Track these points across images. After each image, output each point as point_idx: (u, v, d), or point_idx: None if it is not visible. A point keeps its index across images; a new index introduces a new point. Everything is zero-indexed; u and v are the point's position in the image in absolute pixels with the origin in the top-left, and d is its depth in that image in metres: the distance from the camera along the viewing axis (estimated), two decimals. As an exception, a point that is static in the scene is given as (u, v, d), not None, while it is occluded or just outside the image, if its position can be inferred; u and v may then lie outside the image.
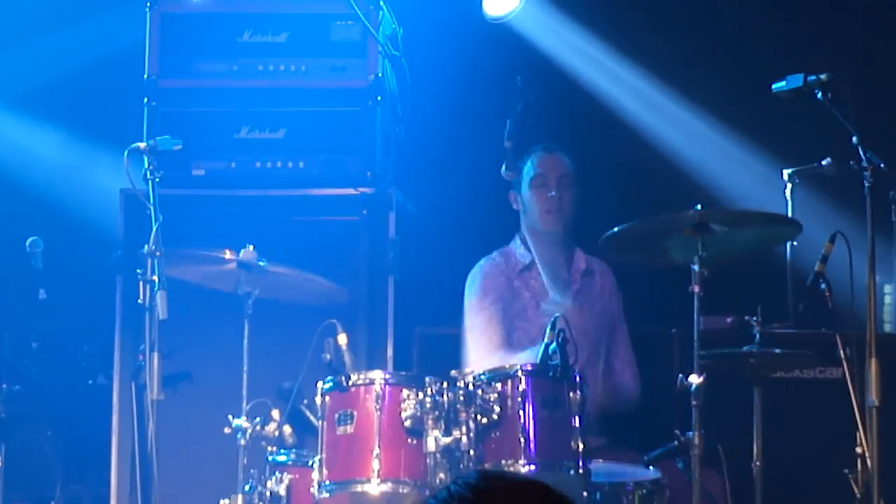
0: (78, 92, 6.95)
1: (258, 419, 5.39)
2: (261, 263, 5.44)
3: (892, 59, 6.85)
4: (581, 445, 4.95)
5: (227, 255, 5.45)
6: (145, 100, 6.21)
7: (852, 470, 5.18)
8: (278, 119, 6.23)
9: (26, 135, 7.01)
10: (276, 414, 5.41)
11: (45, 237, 6.46)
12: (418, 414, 5.01)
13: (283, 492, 5.22)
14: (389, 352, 6.06)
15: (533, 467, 4.92)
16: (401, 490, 4.99)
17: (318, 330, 5.44)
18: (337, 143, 6.20)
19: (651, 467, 5.26)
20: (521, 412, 4.97)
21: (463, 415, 4.99)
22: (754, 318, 5.30)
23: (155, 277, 5.13)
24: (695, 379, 5.00)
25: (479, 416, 4.98)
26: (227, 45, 6.25)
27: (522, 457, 4.93)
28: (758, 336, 5.29)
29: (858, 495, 5.16)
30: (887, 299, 6.50)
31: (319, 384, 5.17)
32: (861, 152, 5.13)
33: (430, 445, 4.97)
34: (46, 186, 6.98)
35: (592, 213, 6.10)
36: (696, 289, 5.05)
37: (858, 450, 5.16)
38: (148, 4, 6.25)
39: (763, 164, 6.68)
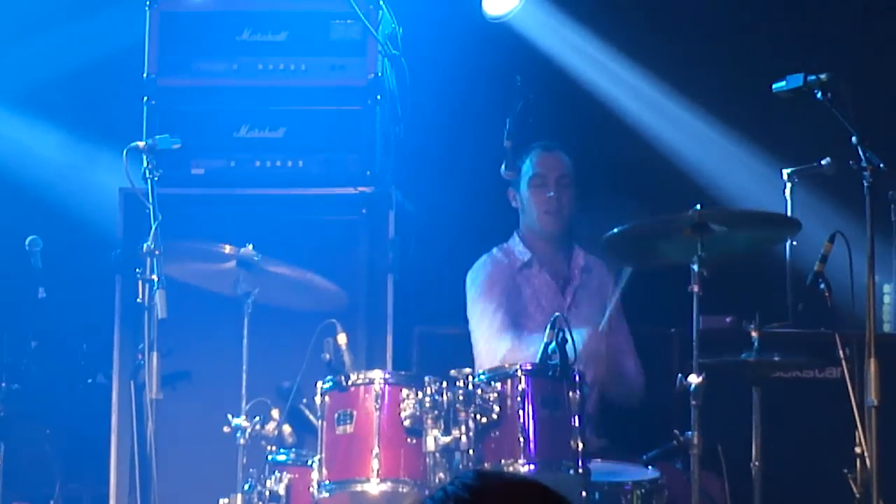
0: (77, 91, 6.95)
1: (258, 418, 5.39)
2: (255, 258, 5.42)
3: (891, 59, 6.85)
4: (581, 445, 4.95)
5: (227, 249, 5.44)
6: (145, 98, 6.21)
7: (851, 470, 5.18)
8: (278, 118, 6.23)
9: (25, 133, 7.00)
10: (275, 413, 5.41)
11: (45, 236, 6.46)
12: (418, 413, 5.01)
13: (282, 491, 5.22)
14: (389, 351, 6.06)
15: (532, 467, 4.92)
16: (400, 489, 4.99)
17: (318, 329, 5.43)
18: (336, 143, 6.21)
19: (650, 467, 5.26)
20: (520, 412, 4.97)
21: (462, 414, 4.99)
22: (751, 325, 5.29)
23: (154, 276, 5.13)
24: (694, 379, 5.00)
25: (478, 416, 4.98)
26: (226, 44, 6.25)
27: (522, 456, 4.93)
28: (756, 342, 5.28)
29: (858, 495, 5.16)
30: (886, 299, 6.50)
31: (319, 384, 5.17)
32: (860, 152, 5.13)
33: (430, 445, 4.97)
34: (45, 185, 6.98)
35: (591, 213, 6.10)
36: (696, 289, 5.05)
37: (857, 450, 5.16)
38: (147, 3, 6.25)
39: (763, 164, 6.68)
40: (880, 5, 6.87)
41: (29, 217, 6.80)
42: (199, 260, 5.53)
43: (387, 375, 5.13)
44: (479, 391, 5.01)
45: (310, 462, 5.15)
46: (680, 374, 5.06)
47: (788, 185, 5.93)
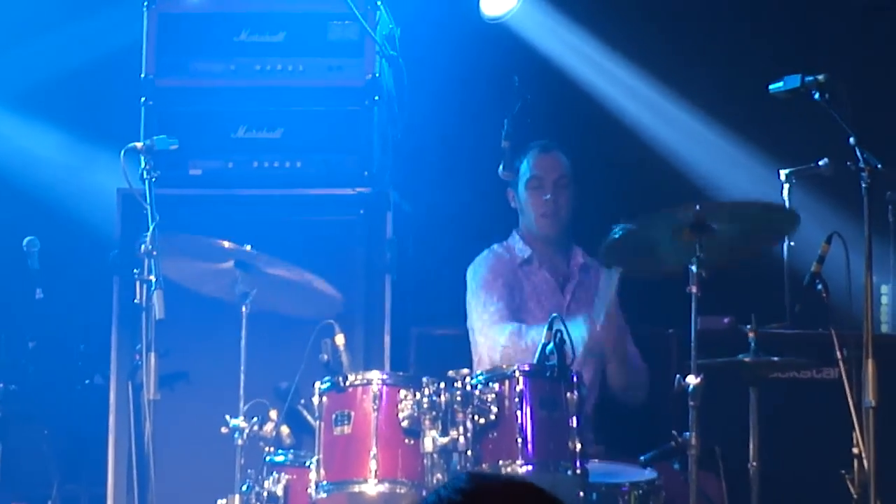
0: (75, 91, 6.94)
1: (255, 419, 5.39)
2: (253, 256, 5.41)
3: (889, 59, 6.86)
4: (578, 446, 4.95)
5: (226, 245, 5.44)
6: (142, 99, 6.21)
7: (849, 470, 5.18)
8: (275, 119, 6.23)
9: (22, 134, 7.00)
10: (273, 414, 5.41)
11: (42, 237, 6.46)
12: (415, 414, 5.01)
13: (280, 492, 5.22)
14: (386, 352, 6.06)
15: (530, 468, 4.92)
16: (398, 490, 4.99)
17: (316, 330, 5.43)
18: (334, 143, 6.20)
19: (647, 468, 5.26)
20: (518, 412, 4.97)
21: (460, 415, 4.98)
22: (749, 326, 5.29)
23: (152, 277, 5.13)
24: (692, 380, 5.00)
25: (476, 417, 4.98)
26: (224, 45, 6.25)
27: (520, 457, 4.93)
28: (753, 343, 5.28)
29: (855, 496, 5.16)
30: (884, 300, 6.50)
31: (317, 384, 5.17)
32: (858, 153, 5.14)
33: (428, 446, 4.97)
34: (43, 186, 6.98)
35: (590, 213, 6.10)
36: (694, 289, 5.05)
37: (855, 450, 5.15)
38: (145, 4, 6.25)
39: (760, 165, 6.69)
40: (878, 6, 6.87)
41: (26, 218, 6.80)
42: (198, 258, 5.52)
43: (384, 376, 5.13)
44: (476, 392, 5.01)
45: (308, 463, 5.15)
46: (678, 375, 5.06)
47: (786, 185, 5.93)
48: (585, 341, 5.77)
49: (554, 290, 6.14)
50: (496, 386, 5.01)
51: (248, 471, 5.34)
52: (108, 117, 6.61)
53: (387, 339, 6.07)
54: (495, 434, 4.98)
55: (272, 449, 5.36)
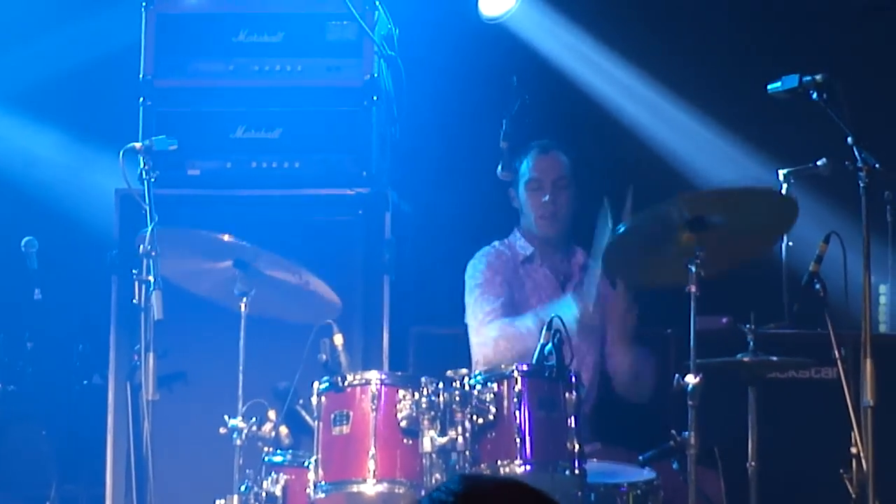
0: (73, 92, 6.95)
1: (254, 419, 5.39)
2: (252, 253, 5.41)
3: (888, 59, 6.86)
4: (577, 446, 4.95)
5: (226, 238, 5.43)
6: (141, 99, 6.21)
7: (847, 470, 5.18)
8: (274, 119, 6.23)
9: (21, 134, 7.00)
10: (272, 414, 5.41)
11: (41, 237, 6.47)
12: (414, 414, 5.01)
13: (278, 492, 5.22)
14: (385, 352, 6.06)
15: (528, 468, 4.92)
16: (396, 490, 4.99)
17: (314, 330, 5.43)
18: (333, 143, 6.21)
19: (646, 468, 5.26)
20: (516, 413, 4.97)
21: (459, 415, 4.98)
22: (748, 326, 5.29)
23: (150, 277, 5.12)
24: (691, 379, 5.00)
25: (474, 417, 4.98)
26: (222, 45, 6.26)
27: (518, 457, 4.93)
28: (752, 343, 5.28)
29: (854, 496, 5.16)
30: (882, 300, 6.51)
31: (315, 384, 5.16)
32: (856, 153, 5.14)
33: (426, 446, 4.97)
34: (41, 186, 6.98)
35: (589, 214, 6.09)
36: (693, 289, 5.05)
37: (853, 450, 5.15)
38: (143, 4, 6.25)
39: (758, 165, 6.69)
40: (876, 6, 6.88)
41: (25, 218, 6.80)
42: (196, 254, 5.50)
43: (383, 376, 5.13)
44: (475, 392, 5.00)
45: (306, 463, 5.15)
46: (676, 375, 5.06)
47: (784, 185, 5.93)
48: (578, 318, 5.78)
49: (555, 287, 6.15)
50: (495, 386, 5.01)
51: (247, 471, 5.34)
52: (106, 117, 6.61)
53: (385, 339, 6.08)
54: (494, 434, 4.98)
55: (271, 449, 5.36)
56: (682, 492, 5.12)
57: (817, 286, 5.35)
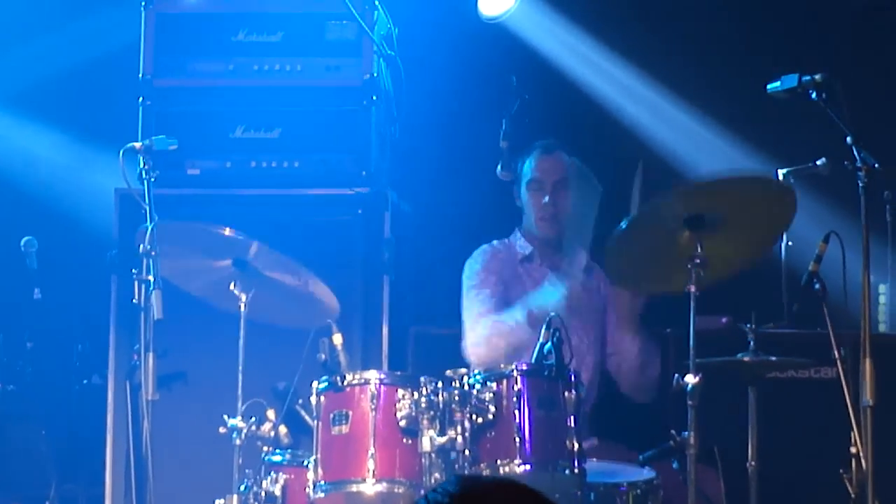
0: (73, 91, 6.95)
1: (253, 419, 5.39)
2: (252, 251, 5.40)
3: (886, 59, 6.86)
4: (576, 445, 4.95)
5: (227, 232, 5.42)
6: (140, 99, 6.21)
7: (847, 470, 5.18)
8: (273, 118, 6.23)
9: (20, 134, 7.00)
10: (271, 414, 5.41)
11: (40, 237, 6.47)
12: (413, 414, 5.00)
13: (278, 492, 5.22)
14: (384, 352, 6.06)
15: (528, 467, 4.92)
16: (396, 490, 4.99)
17: (314, 330, 5.43)
18: (332, 143, 6.21)
19: (646, 467, 5.26)
20: (516, 412, 4.97)
21: (458, 415, 4.98)
22: (748, 325, 5.29)
23: (150, 277, 5.12)
24: (691, 379, 5.00)
25: (474, 416, 4.98)
26: (222, 45, 6.26)
27: (518, 457, 4.93)
28: (751, 342, 5.28)
29: (853, 495, 5.16)
30: (882, 299, 6.50)
31: (314, 384, 5.16)
32: (856, 152, 5.13)
33: (426, 445, 4.96)
34: (41, 186, 6.98)
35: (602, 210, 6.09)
36: (693, 289, 5.05)
37: (853, 450, 5.15)
38: (143, 4, 6.25)
39: (758, 164, 6.68)
40: (876, 5, 6.88)
41: (24, 218, 6.80)
42: (196, 251, 5.48)
43: (382, 376, 5.13)
44: (474, 391, 5.00)
45: (306, 462, 5.15)
46: (676, 375, 5.06)
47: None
48: (567, 296, 5.79)
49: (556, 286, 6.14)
50: (494, 385, 5.01)
51: (247, 471, 5.34)
52: (106, 117, 6.61)
53: (385, 338, 6.08)
54: (493, 433, 4.98)
55: (270, 449, 5.36)
56: (681, 491, 5.12)
57: (817, 286, 5.34)
